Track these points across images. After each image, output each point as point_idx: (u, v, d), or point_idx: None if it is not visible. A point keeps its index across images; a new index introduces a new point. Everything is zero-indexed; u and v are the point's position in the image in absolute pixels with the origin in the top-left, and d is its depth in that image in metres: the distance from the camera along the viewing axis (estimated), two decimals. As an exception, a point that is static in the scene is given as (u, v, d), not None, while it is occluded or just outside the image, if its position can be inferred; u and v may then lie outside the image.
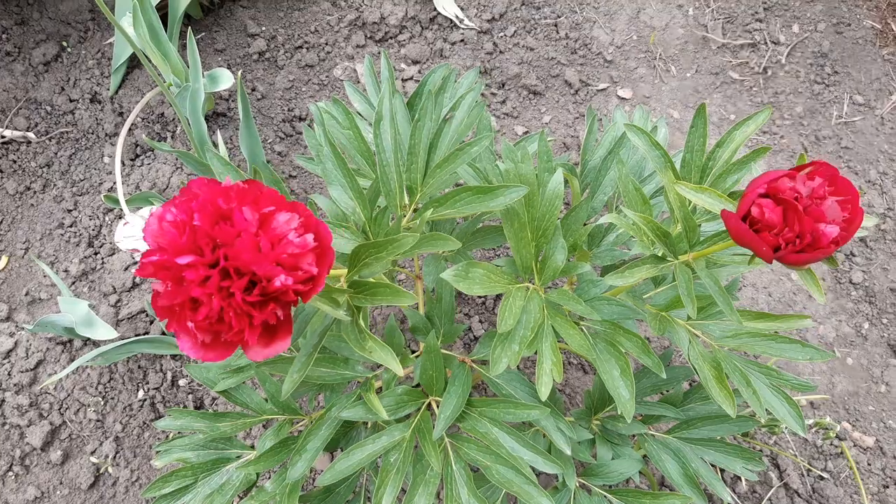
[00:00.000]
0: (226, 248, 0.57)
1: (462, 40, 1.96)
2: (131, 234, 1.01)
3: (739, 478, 1.46)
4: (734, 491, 1.44)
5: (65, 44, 1.93)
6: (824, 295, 0.74)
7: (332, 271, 0.81)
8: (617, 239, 1.11)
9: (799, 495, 1.45)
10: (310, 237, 0.59)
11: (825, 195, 0.67)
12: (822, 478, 1.46)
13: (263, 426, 1.48)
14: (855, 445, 1.50)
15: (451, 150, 0.91)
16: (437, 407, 0.97)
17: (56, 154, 1.82)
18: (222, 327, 0.58)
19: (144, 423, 1.52)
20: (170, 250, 0.58)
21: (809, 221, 0.66)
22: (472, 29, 1.97)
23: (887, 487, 1.47)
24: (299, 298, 0.60)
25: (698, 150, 0.93)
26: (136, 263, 1.65)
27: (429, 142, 0.95)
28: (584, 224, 1.04)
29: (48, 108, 1.86)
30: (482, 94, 1.90)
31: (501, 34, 1.98)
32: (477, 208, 0.85)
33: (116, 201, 1.37)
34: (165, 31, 1.57)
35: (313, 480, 1.45)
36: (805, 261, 0.67)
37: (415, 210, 0.95)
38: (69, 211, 1.75)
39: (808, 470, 1.47)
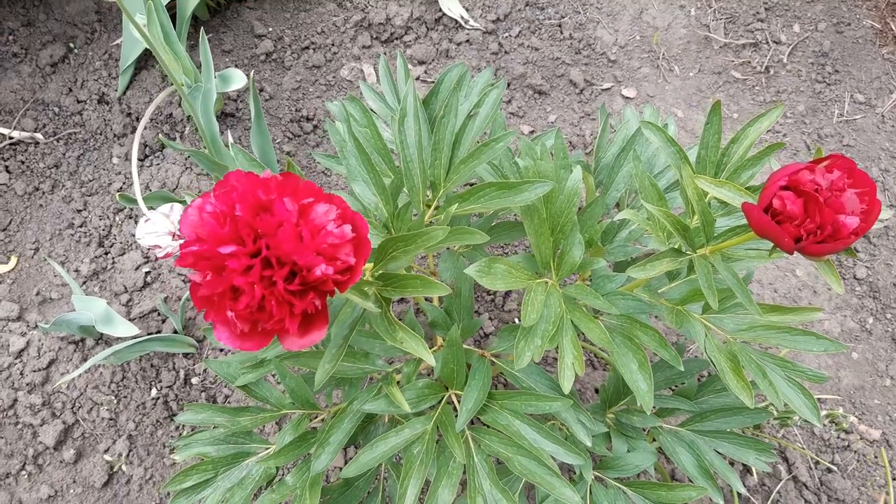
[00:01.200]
0: (267, 238, 0.58)
1: (467, 41, 1.98)
2: (153, 230, 1.02)
3: (749, 471, 1.48)
4: (743, 483, 1.46)
5: (72, 45, 1.94)
6: (842, 286, 0.76)
7: (356, 266, 0.82)
8: (629, 235, 1.13)
9: (807, 488, 1.47)
10: (347, 228, 0.60)
11: (844, 187, 0.69)
12: (829, 470, 1.48)
13: (276, 423, 1.49)
14: (861, 438, 1.52)
15: (475, 147, 0.92)
16: (458, 400, 0.99)
17: (64, 155, 1.83)
18: (262, 316, 0.60)
19: (157, 421, 1.53)
20: (210, 240, 0.59)
21: (830, 213, 0.67)
22: (477, 29, 1.98)
23: (894, 479, 1.49)
24: (336, 289, 0.61)
25: (713, 146, 0.95)
26: (147, 261, 1.66)
27: (453, 138, 0.96)
28: (600, 221, 1.05)
29: (56, 110, 1.87)
30: (488, 94, 1.92)
31: (506, 34, 1.99)
32: (500, 204, 0.87)
33: (131, 200, 1.38)
34: (175, 32, 1.58)
35: (327, 478, 1.46)
36: (826, 251, 0.69)
37: (437, 207, 0.97)
38: (79, 211, 1.76)
39: (816, 463, 1.49)
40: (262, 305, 0.60)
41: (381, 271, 0.81)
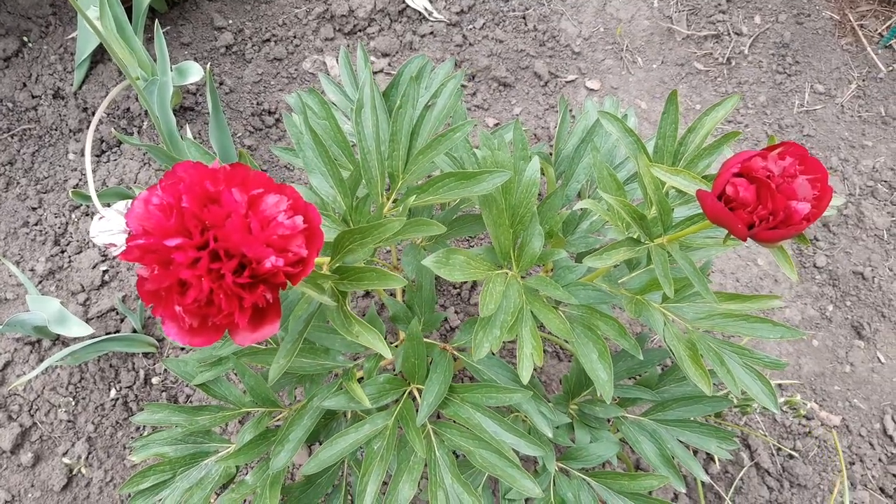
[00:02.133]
0: (215, 229, 0.56)
1: (431, 33, 1.96)
2: (107, 228, 1.00)
3: (712, 459, 1.49)
4: (707, 471, 1.48)
5: (25, 39, 1.88)
6: (795, 272, 0.76)
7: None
8: (591, 226, 1.13)
9: (769, 474, 1.48)
10: (299, 219, 0.59)
11: (796, 174, 0.69)
12: (791, 456, 1.50)
13: (240, 422, 1.47)
14: (822, 424, 1.54)
15: (433, 138, 0.91)
16: (419, 395, 0.98)
17: (19, 151, 1.78)
18: (211, 310, 0.58)
19: (117, 422, 1.50)
20: (157, 233, 0.57)
21: (782, 199, 0.68)
22: (441, 21, 1.97)
23: (853, 464, 1.51)
24: (288, 282, 0.60)
25: (670, 135, 0.95)
26: (105, 259, 1.62)
27: (410, 129, 0.95)
28: (559, 211, 1.05)
29: (10, 105, 1.82)
30: (452, 87, 1.91)
31: (470, 26, 1.98)
32: (459, 194, 0.86)
33: (85, 197, 1.35)
34: (130, 24, 1.54)
35: (292, 476, 1.45)
36: (778, 237, 0.69)
37: (395, 199, 0.96)
38: (34, 209, 1.71)
39: (778, 449, 1.51)
40: (210, 299, 0.58)
41: (338, 264, 0.80)
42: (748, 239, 0.71)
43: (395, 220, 0.76)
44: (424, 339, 1.03)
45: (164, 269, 0.57)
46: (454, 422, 0.97)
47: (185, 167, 0.61)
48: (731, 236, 0.74)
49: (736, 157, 0.71)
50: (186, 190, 0.58)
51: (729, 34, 2.02)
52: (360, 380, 1.05)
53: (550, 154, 1.25)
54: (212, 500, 1.22)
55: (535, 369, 1.55)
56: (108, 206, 1.34)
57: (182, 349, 1.55)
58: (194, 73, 1.52)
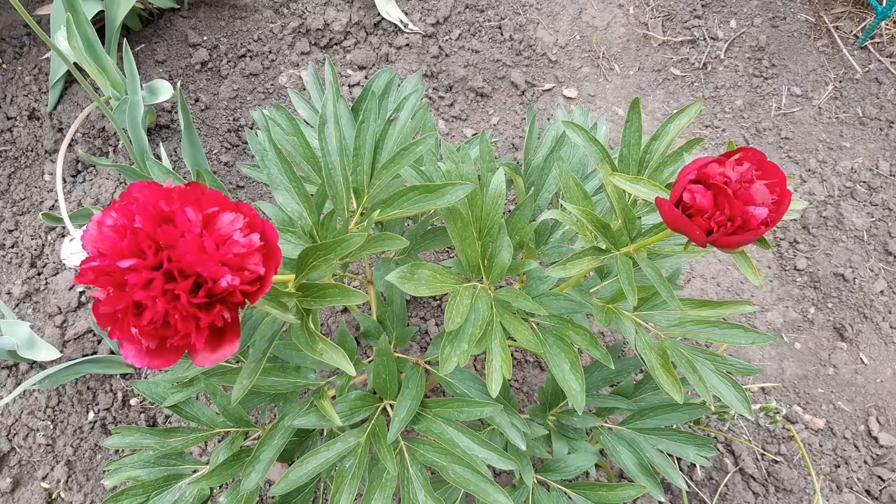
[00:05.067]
0: (169, 249, 0.56)
1: (407, 45, 1.96)
2: (77, 250, 0.99)
3: (696, 466, 1.48)
4: (691, 479, 1.47)
5: (-1, 60, 1.88)
6: (760, 278, 0.76)
7: (279, 277, 0.80)
8: (563, 236, 1.13)
9: (754, 479, 1.48)
10: (255, 237, 0.58)
11: (753, 179, 0.69)
12: (776, 461, 1.49)
13: (219, 440, 1.46)
14: (806, 428, 1.54)
15: (396, 152, 0.91)
16: (392, 410, 0.97)
17: (-6, 173, 1.77)
18: (168, 331, 0.57)
19: (96, 445, 1.48)
20: (110, 255, 0.56)
21: (739, 204, 0.67)
22: (416, 33, 1.97)
23: (838, 467, 1.51)
24: (247, 300, 0.59)
25: (635, 144, 0.95)
26: (81, 282, 1.61)
27: (374, 143, 0.95)
28: (530, 222, 1.05)
29: (-16, 127, 1.81)
30: (429, 98, 1.91)
31: (446, 38, 1.99)
32: (423, 207, 0.85)
33: (56, 219, 1.34)
34: (103, 43, 1.54)
35: (269, 494, 1.43)
36: (737, 243, 0.69)
37: (362, 213, 0.95)
38: (10, 231, 1.70)
39: (763, 454, 1.50)
40: (166, 321, 0.57)
41: (303, 281, 0.79)
42: (707, 245, 0.70)
43: (357, 235, 0.75)
44: (397, 354, 1.02)
45: (118, 291, 0.57)
46: (427, 437, 0.97)
47: (140, 187, 0.60)
48: (692, 243, 0.73)
49: (693, 164, 0.70)
50: (140, 210, 0.58)
51: (705, 39, 2.02)
52: (333, 397, 1.04)
53: (520, 165, 1.24)
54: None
55: (515, 379, 1.55)
56: (81, 227, 1.33)
57: (158, 370, 1.53)
58: (165, 91, 1.51)
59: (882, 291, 1.68)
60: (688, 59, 2.00)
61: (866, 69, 1.97)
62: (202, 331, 0.58)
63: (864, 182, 1.82)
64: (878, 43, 2.01)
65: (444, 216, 0.90)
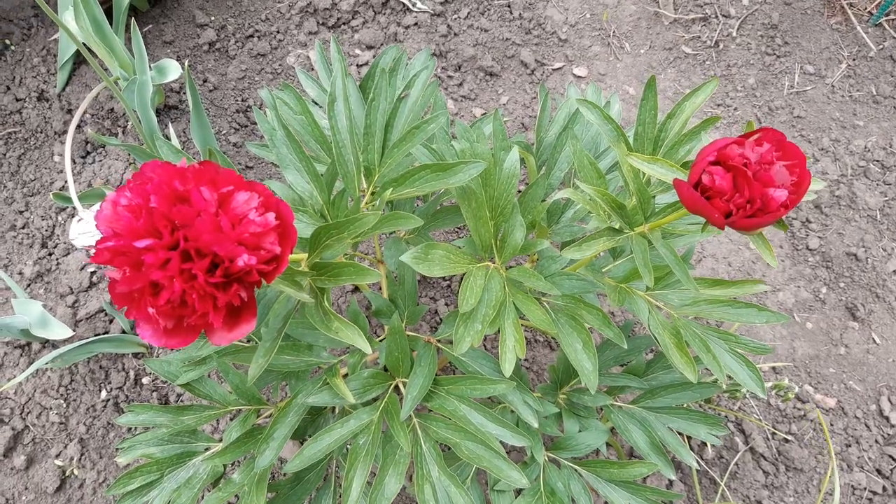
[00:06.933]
0: (185, 229, 0.55)
1: (416, 24, 1.95)
2: (86, 230, 0.99)
3: (706, 444, 1.49)
4: (701, 457, 1.47)
5: (8, 41, 1.87)
6: (776, 259, 0.75)
7: (292, 256, 0.80)
8: (575, 215, 1.12)
9: (765, 458, 1.48)
10: (271, 216, 0.58)
11: (773, 160, 0.68)
12: (786, 440, 1.50)
13: (231, 418, 1.47)
14: (817, 407, 1.54)
15: (407, 130, 0.90)
16: (405, 388, 0.97)
17: (5, 155, 1.77)
18: (185, 311, 0.57)
19: (109, 423, 1.50)
20: (126, 235, 0.56)
21: (758, 186, 0.67)
22: (425, 12, 1.95)
23: (849, 446, 1.51)
24: (262, 280, 0.59)
25: (650, 122, 0.94)
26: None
27: (385, 121, 0.94)
28: (542, 201, 1.04)
29: (-7, 108, 1.81)
30: (438, 77, 1.89)
31: (455, 16, 1.97)
32: (435, 186, 0.85)
33: (66, 199, 1.34)
34: (111, 24, 1.53)
35: (282, 471, 1.44)
36: (756, 225, 0.68)
37: (373, 193, 0.95)
38: (21, 212, 1.70)
39: (773, 433, 1.50)
40: (183, 300, 0.57)
41: (316, 260, 0.79)
42: (725, 227, 0.70)
43: (370, 214, 0.75)
44: (408, 333, 1.02)
45: (135, 271, 0.57)
46: (440, 414, 0.97)
47: (153, 167, 0.60)
48: (710, 224, 0.73)
49: (712, 145, 0.69)
50: (155, 190, 0.57)
51: (717, 17, 2.00)
52: (345, 375, 1.04)
53: (533, 143, 1.23)
54: (199, 499, 1.21)
55: (525, 359, 1.55)
56: (91, 207, 1.33)
57: (170, 350, 1.54)
58: (173, 71, 1.50)
59: (895, 271, 1.67)
60: (699, 37, 1.98)
61: (881, 46, 1.95)
62: (220, 310, 0.58)
63: (878, 161, 1.80)
64: (893, 20, 1.98)
65: (457, 196, 0.90)
